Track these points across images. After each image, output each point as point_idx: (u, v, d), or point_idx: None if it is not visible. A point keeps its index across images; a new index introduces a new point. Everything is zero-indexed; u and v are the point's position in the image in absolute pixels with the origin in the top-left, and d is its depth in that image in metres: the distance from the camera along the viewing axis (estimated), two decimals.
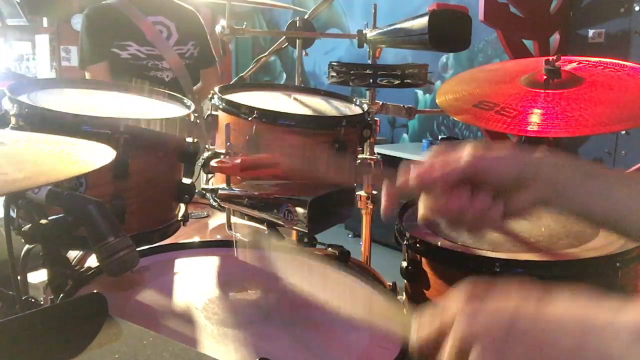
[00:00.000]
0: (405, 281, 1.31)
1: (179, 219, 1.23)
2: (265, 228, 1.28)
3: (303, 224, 1.09)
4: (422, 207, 0.78)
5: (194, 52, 2.43)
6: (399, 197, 0.79)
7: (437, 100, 1.38)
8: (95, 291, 0.72)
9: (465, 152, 0.74)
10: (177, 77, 2.34)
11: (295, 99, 1.47)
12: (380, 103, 1.79)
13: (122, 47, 2.28)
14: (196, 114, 1.24)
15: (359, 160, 1.41)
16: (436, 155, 0.76)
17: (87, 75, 2.33)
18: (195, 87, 2.45)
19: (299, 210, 1.10)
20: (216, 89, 1.36)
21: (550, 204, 0.74)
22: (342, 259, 1.23)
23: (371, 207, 1.84)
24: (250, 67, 2.08)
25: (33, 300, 0.99)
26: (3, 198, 0.98)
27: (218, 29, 1.82)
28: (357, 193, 1.79)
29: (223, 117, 1.32)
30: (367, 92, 1.75)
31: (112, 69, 2.30)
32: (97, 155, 0.79)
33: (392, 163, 0.91)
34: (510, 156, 0.75)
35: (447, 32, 1.47)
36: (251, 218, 1.29)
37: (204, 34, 2.52)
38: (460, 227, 0.76)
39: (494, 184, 0.74)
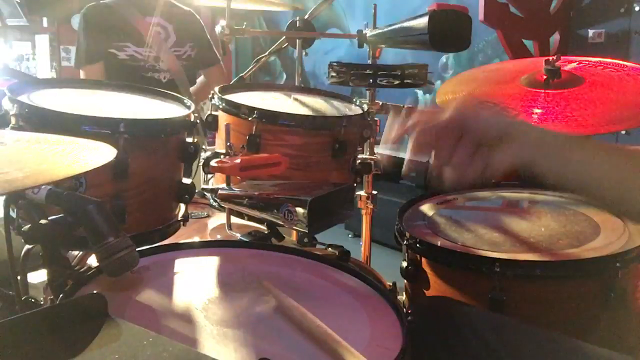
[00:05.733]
0: (405, 281, 1.31)
1: (179, 219, 1.23)
2: (266, 228, 1.28)
3: (303, 224, 1.09)
4: (411, 146, 0.84)
5: (191, 54, 2.42)
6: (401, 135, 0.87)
7: (437, 100, 1.39)
8: (95, 291, 0.72)
9: (452, 107, 0.80)
10: (174, 79, 2.34)
11: (295, 99, 1.47)
12: (380, 103, 1.79)
13: (119, 47, 2.28)
14: (196, 114, 1.24)
15: (359, 160, 1.41)
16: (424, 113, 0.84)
17: (82, 75, 2.33)
18: (192, 88, 2.45)
19: (299, 210, 1.10)
20: (216, 89, 1.36)
21: (529, 167, 0.78)
22: (342, 259, 1.23)
23: (371, 207, 1.84)
24: (250, 67, 2.08)
25: (33, 300, 0.99)
26: (3, 198, 0.98)
27: (218, 29, 1.82)
28: (357, 193, 1.79)
29: (223, 117, 1.32)
30: (367, 92, 1.75)
31: (109, 70, 2.30)
32: (97, 154, 0.78)
33: (393, 163, 0.92)
34: (495, 114, 0.81)
35: (447, 32, 1.46)
36: (251, 218, 1.29)
37: (203, 34, 2.51)
38: (445, 174, 0.81)
39: (478, 136, 0.79)
